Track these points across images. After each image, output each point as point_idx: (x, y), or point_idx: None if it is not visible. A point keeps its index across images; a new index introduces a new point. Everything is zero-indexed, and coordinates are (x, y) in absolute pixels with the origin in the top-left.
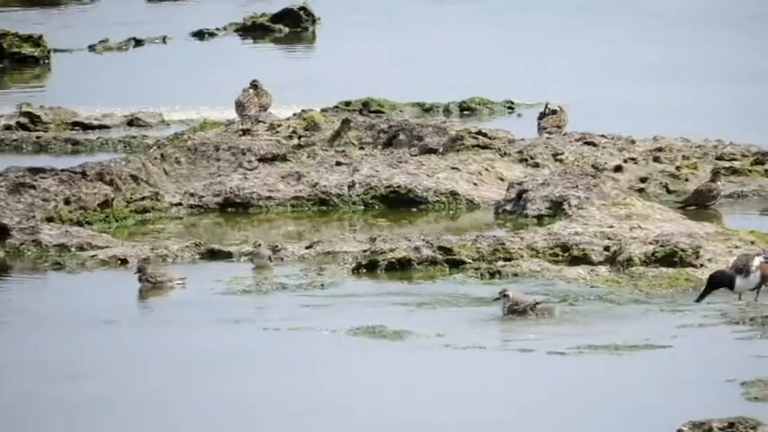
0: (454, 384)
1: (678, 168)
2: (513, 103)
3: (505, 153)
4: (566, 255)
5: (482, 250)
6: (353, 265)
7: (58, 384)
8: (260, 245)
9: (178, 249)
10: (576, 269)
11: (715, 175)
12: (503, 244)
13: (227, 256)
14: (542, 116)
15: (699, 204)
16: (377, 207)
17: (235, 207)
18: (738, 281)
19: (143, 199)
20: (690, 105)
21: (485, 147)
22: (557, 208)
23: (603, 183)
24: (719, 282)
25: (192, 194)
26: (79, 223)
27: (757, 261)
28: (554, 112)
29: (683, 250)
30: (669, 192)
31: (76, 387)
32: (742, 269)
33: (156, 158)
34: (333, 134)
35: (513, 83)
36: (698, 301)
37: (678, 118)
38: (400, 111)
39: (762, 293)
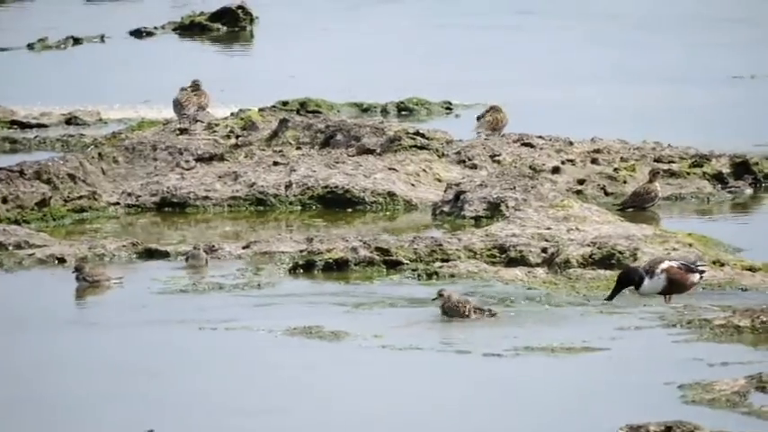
0: (391, 385)
1: (616, 170)
2: (450, 103)
3: (443, 154)
4: (503, 256)
5: (419, 251)
6: (290, 265)
7: None
8: (199, 248)
9: (115, 248)
10: (513, 270)
11: (653, 175)
12: (440, 245)
13: (164, 255)
14: (479, 118)
15: (637, 206)
16: (314, 207)
17: (172, 207)
18: (646, 282)
19: (80, 198)
20: (628, 107)
21: (422, 147)
22: (494, 209)
23: (541, 184)
24: (629, 279)
25: (129, 194)
26: (17, 222)
27: (665, 264)
28: (487, 112)
29: (620, 252)
30: (607, 194)
31: (9, 389)
32: (649, 270)
33: (93, 157)
34: (270, 134)
35: (451, 83)
36: (608, 299)
37: (616, 120)
38: (338, 111)
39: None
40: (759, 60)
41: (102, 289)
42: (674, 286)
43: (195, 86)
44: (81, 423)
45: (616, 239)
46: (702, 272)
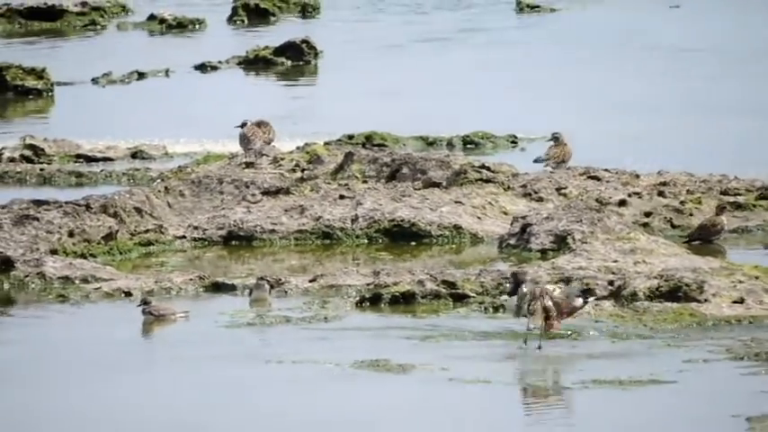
0: (459, 419)
1: (682, 203)
2: (516, 137)
3: (509, 187)
4: None
5: (486, 284)
6: (357, 298)
7: (60, 420)
8: (262, 279)
9: (182, 282)
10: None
11: (720, 210)
12: (507, 278)
13: (230, 289)
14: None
15: (703, 239)
16: (380, 241)
17: (238, 240)
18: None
19: (147, 231)
20: (694, 140)
21: (488, 180)
22: (561, 242)
23: (608, 217)
24: (517, 281)
25: (195, 227)
26: (83, 256)
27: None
28: (555, 143)
29: (687, 285)
30: (674, 226)
31: (74, 422)
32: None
33: (159, 191)
34: (336, 167)
35: (516, 117)
36: (510, 294)
37: (682, 152)
38: (403, 144)
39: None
40: None
41: (168, 323)
42: (550, 313)
43: (260, 123)
44: None
45: (683, 272)
46: (587, 300)
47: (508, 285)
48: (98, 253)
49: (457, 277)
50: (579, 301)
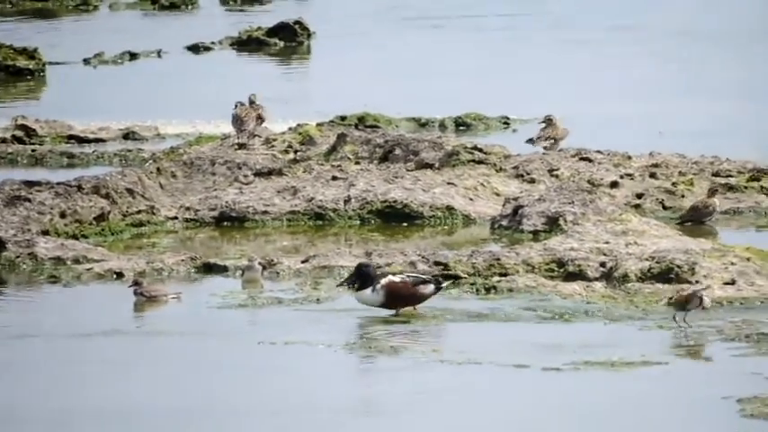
0: (450, 400)
1: (674, 184)
2: (508, 118)
3: (501, 168)
4: (561, 270)
5: (478, 265)
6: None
7: (50, 396)
8: (254, 260)
9: (174, 263)
10: (571, 285)
11: (712, 193)
12: (498, 259)
13: (222, 270)
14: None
15: (695, 220)
16: (373, 222)
17: (230, 221)
18: (367, 291)
19: (139, 212)
20: (686, 122)
21: (480, 162)
22: (553, 223)
23: (599, 198)
24: (359, 274)
25: (187, 208)
26: (75, 236)
27: (386, 280)
28: (548, 124)
29: (678, 266)
30: (665, 208)
31: (69, 398)
32: (375, 282)
33: (151, 172)
34: (329, 149)
35: (508, 98)
36: (339, 285)
37: (674, 134)
38: (396, 125)
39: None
40: None
41: (159, 304)
42: (397, 300)
43: (251, 101)
44: None
45: (674, 254)
46: (440, 284)
47: (352, 278)
48: (90, 234)
49: (449, 258)
50: (430, 287)
